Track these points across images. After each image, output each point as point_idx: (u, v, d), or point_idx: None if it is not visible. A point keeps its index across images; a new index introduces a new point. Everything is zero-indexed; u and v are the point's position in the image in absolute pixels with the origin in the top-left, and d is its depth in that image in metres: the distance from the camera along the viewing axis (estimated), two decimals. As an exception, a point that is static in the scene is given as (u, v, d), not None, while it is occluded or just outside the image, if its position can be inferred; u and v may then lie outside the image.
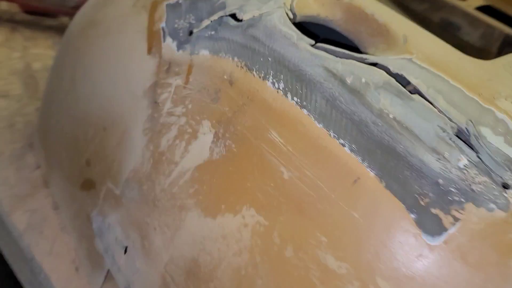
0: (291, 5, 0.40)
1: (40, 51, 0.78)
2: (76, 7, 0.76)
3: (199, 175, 0.38)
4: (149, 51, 0.43)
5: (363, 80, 0.34)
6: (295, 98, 0.35)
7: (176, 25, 0.42)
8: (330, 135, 0.33)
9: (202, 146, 0.38)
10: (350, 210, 0.32)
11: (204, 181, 0.37)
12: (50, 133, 0.58)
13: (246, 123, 0.36)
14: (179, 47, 0.41)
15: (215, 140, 0.37)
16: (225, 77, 0.38)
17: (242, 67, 0.37)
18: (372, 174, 0.32)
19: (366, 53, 0.39)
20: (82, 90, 0.49)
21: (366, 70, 0.34)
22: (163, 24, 0.43)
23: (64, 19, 0.83)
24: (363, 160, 0.32)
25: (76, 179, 0.52)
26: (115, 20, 0.47)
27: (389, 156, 0.31)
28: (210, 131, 0.38)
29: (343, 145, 0.33)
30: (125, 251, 0.46)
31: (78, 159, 0.51)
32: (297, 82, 0.35)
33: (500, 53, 0.64)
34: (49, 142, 0.58)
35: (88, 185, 0.50)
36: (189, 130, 0.39)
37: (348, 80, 0.34)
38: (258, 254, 0.34)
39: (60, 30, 0.84)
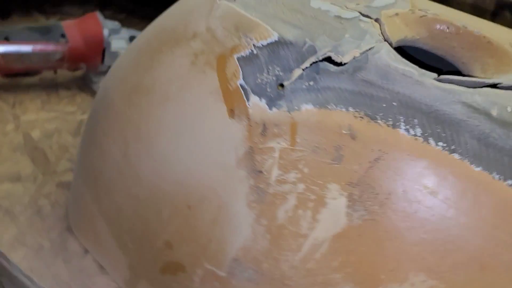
0: (383, 34, 0.36)
1: (33, 117, 0.70)
2: (62, 59, 0.68)
3: (341, 245, 0.34)
4: (231, 114, 0.38)
5: (509, 109, 0.31)
6: (439, 143, 0.32)
7: (258, 80, 0.37)
8: (494, 177, 0.30)
9: (335, 212, 0.34)
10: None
11: (350, 251, 0.33)
12: (96, 217, 0.51)
13: (386, 179, 0.32)
14: (271, 104, 0.36)
15: (351, 204, 0.33)
16: (344, 131, 0.34)
17: (362, 117, 0.34)
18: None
19: (478, 75, 0.36)
20: (142, 166, 0.44)
21: (506, 96, 0.31)
22: (240, 81, 0.38)
23: (48, 73, 0.75)
24: (542, 197, 0.29)
25: (152, 264, 0.47)
26: (173, 84, 0.41)
27: None
28: (342, 194, 0.34)
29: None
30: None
31: (152, 242, 0.45)
32: (437, 124, 0.32)
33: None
34: (96, 227, 0.52)
35: (173, 268, 0.45)
36: (313, 197, 0.35)
37: (494, 113, 0.31)
38: (441, 320, 0.31)
39: (46, 86, 0.76)
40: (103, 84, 0.50)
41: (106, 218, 0.50)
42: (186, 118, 0.41)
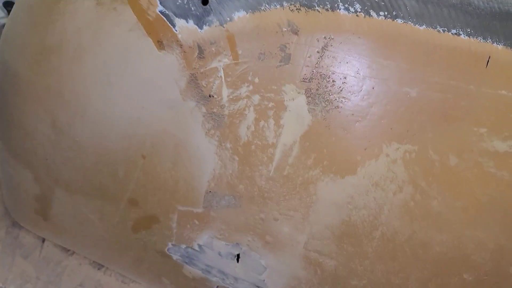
0: None
1: None
2: None
3: (311, 142, 0.34)
4: (160, 45, 0.35)
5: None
6: (381, 13, 0.31)
7: (178, 2, 0.34)
8: (439, 31, 0.31)
9: (298, 112, 0.34)
10: (496, 91, 0.31)
11: (321, 145, 0.33)
12: (47, 201, 0.47)
13: (341, 62, 0.32)
14: (200, 23, 0.34)
15: (310, 99, 0.33)
16: (284, 29, 0.33)
17: (299, 9, 0.32)
18: (500, 46, 0.31)
19: None
20: (78, 132, 0.40)
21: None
22: (159, 8, 0.35)
23: None
24: (484, 38, 0.31)
25: (120, 227, 0.44)
26: (84, 33, 0.37)
27: (509, 20, 0.30)
28: (299, 93, 0.33)
29: (458, 34, 0.31)
30: (238, 259, 0.41)
31: (114, 206, 0.43)
32: (373, -5, 0.31)
33: None
34: (49, 212, 0.48)
35: (146, 223, 0.43)
36: (270, 104, 0.34)
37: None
38: (422, 179, 0.32)
39: None
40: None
41: (57, 199, 0.47)
42: (111, 66, 0.37)
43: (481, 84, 0.31)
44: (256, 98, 0.34)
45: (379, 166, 0.33)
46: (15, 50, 0.40)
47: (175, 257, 0.44)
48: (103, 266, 0.50)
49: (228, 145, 0.36)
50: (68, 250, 0.50)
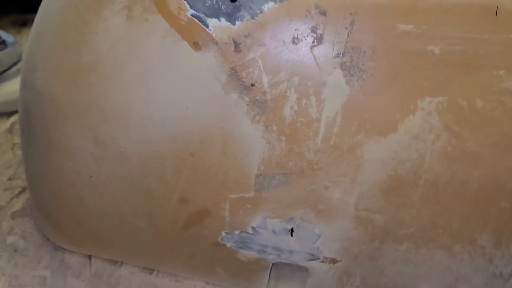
0: None
1: None
2: None
3: (352, 110, 0.37)
4: (196, 46, 0.38)
5: None
6: (397, -16, 0.35)
7: (208, 3, 0.37)
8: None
9: (336, 86, 0.37)
10: (507, 35, 0.35)
11: (362, 111, 0.37)
12: (91, 219, 0.49)
13: (369, 33, 0.36)
14: (233, 20, 0.37)
15: (346, 72, 0.37)
16: (313, 12, 0.36)
17: (324, -8, 0.36)
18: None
19: None
20: (122, 143, 0.42)
21: None
22: (190, 12, 0.37)
23: None
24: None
25: (171, 228, 0.47)
26: (118, 48, 0.39)
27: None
28: (335, 68, 0.37)
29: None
30: (292, 233, 0.45)
31: (164, 208, 0.45)
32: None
33: None
34: (95, 229, 0.50)
35: (196, 219, 0.46)
36: (310, 82, 0.37)
37: None
38: (455, 124, 0.37)
39: None
40: (24, 94, 0.45)
41: (103, 214, 0.48)
42: (150, 73, 0.39)
43: (494, 32, 0.35)
44: (295, 79, 0.37)
45: (417, 120, 0.37)
46: (47, 75, 0.41)
47: (229, 244, 0.46)
48: (154, 270, 0.52)
49: (274, 128, 0.39)
50: (117, 262, 0.52)
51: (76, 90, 0.41)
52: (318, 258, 0.46)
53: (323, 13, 0.36)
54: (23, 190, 0.60)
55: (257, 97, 0.38)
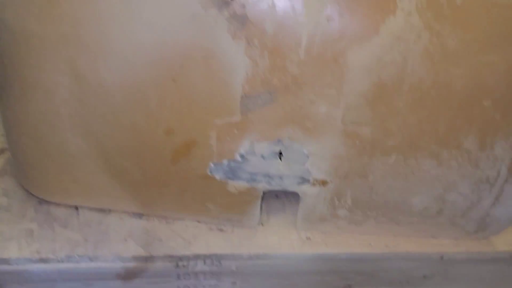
0: None
1: None
2: None
3: (332, 15, 0.37)
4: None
5: None
6: None
7: None
8: None
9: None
10: None
11: (343, 15, 0.37)
12: (76, 165, 0.48)
13: None
14: None
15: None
16: None
17: None
18: None
19: None
20: (103, 74, 0.41)
21: None
22: None
23: None
24: None
25: (159, 164, 0.46)
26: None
27: None
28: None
29: None
30: (280, 157, 0.45)
31: (150, 143, 0.44)
32: None
33: None
34: (79, 176, 0.49)
35: (183, 151, 0.45)
36: (290, -10, 0.37)
37: None
38: (435, 22, 0.37)
39: None
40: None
41: (86, 158, 0.47)
42: (125, -5, 0.38)
43: None
44: (273, -12, 0.37)
45: (398, 20, 0.37)
46: (18, 9, 0.40)
47: (217, 176, 0.46)
48: (143, 214, 0.51)
49: (256, 42, 0.38)
50: (105, 210, 0.51)
51: (49, 21, 0.39)
52: (308, 181, 0.46)
53: None
54: (1, 151, 0.58)
55: (238, 11, 0.37)
